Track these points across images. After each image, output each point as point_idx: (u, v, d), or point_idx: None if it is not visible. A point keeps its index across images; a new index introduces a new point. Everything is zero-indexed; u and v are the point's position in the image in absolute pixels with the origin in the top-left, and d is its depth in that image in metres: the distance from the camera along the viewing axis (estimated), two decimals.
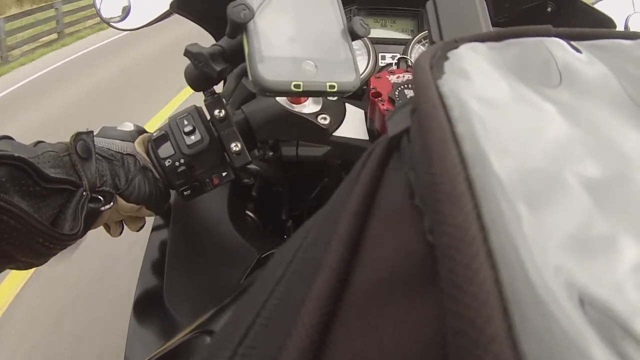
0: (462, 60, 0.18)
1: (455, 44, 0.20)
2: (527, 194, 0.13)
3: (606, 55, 0.21)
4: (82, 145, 0.47)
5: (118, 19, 0.91)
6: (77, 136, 0.47)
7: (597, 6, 0.84)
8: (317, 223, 0.20)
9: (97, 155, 0.49)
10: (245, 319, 0.17)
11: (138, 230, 0.59)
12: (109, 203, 0.49)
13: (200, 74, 0.49)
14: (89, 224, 0.48)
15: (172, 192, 0.57)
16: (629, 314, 0.11)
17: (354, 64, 0.40)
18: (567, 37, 0.22)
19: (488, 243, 0.12)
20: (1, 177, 0.38)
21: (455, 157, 0.14)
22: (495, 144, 0.15)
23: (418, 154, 0.16)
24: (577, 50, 0.21)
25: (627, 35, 0.23)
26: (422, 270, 0.15)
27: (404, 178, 0.17)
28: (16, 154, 0.39)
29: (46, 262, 0.45)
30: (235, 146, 0.52)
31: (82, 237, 0.45)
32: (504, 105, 0.17)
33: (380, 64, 0.76)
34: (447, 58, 0.19)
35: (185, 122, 0.53)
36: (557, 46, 0.21)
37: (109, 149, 0.50)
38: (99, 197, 0.48)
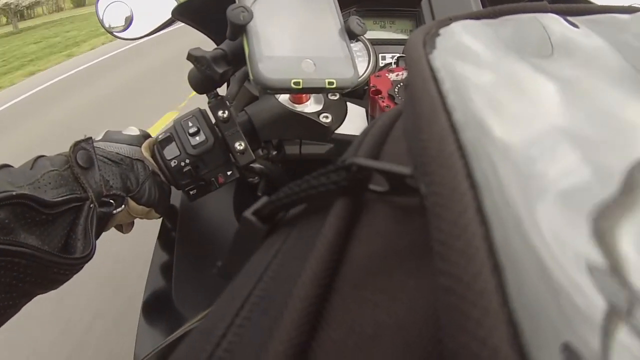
0: (454, 36, 0.19)
1: (449, 21, 0.20)
2: (525, 157, 0.13)
3: (603, 29, 0.21)
4: (82, 155, 0.47)
5: (121, 28, 0.93)
6: (76, 146, 0.47)
7: None
8: (310, 205, 0.20)
9: (105, 159, 0.49)
10: (241, 292, 0.17)
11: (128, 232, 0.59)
12: (120, 206, 0.49)
13: (203, 77, 0.50)
14: (101, 229, 0.48)
15: (178, 194, 0.58)
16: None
17: (351, 61, 0.41)
18: (563, 13, 0.22)
19: (479, 200, 0.12)
20: (4, 219, 0.37)
21: (444, 123, 0.14)
22: (490, 113, 0.15)
23: (410, 126, 0.17)
24: (574, 26, 0.21)
25: (624, 9, 0.23)
26: (415, 245, 0.15)
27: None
28: (15, 192, 0.38)
29: (62, 285, 0.44)
30: (240, 145, 0.54)
31: (94, 252, 0.45)
32: (496, 76, 0.17)
33: (381, 65, 0.77)
34: (439, 34, 0.19)
35: (190, 124, 0.54)
36: (553, 21, 0.21)
37: (117, 153, 0.51)
38: (110, 200, 0.48)
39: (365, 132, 0.22)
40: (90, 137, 0.50)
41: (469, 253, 0.11)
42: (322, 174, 0.18)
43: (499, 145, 0.14)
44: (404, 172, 0.16)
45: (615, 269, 0.11)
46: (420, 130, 0.15)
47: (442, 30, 0.20)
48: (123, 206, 0.50)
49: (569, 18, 0.22)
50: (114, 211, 0.48)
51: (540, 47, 0.20)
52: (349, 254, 0.16)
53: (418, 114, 0.15)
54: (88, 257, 0.43)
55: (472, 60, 0.18)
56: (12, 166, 0.43)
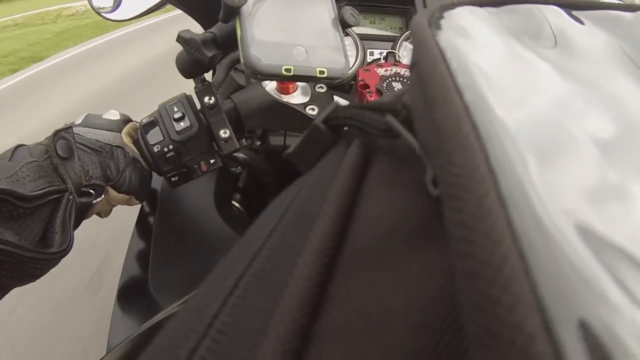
0: (459, 19, 0.19)
1: (453, 5, 0.20)
2: (534, 143, 0.13)
3: (607, 25, 0.21)
4: (61, 145, 0.46)
5: (109, 9, 0.90)
6: (55, 135, 0.46)
7: None
8: (310, 180, 0.20)
9: (84, 147, 0.48)
10: (234, 270, 0.16)
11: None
12: (100, 196, 0.48)
13: (192, 60, 0.49)
14: (80, 219, 0.48)
15: (159, 178, 0.57)
16: None
17: (343, 51, 0.41)
18: (566, 6, 0.23)
19: (497, 185, 0.11)
20: None
21: (458, 103, 0.14)
22: (496, 95, 0.15)
23: (419, 106, 0.16)
24: (577, 20, 0.22)
25: (627, 7, 0.23)
26: (422, 225, 0.14)
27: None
28: None
29: (38, 279, 0.43)
30: (224, 133, 0.53)
31: (72, 245, 0.44)
32: (501, 60, 0.17)
33: (369, 60, 0.77)
34: (443, 17, 0.19)
35: (175, 109, 0.53)
36: (554, 13, 0.21)
37: (97, 140, 0.50)
38: (90, 190, 0.47)
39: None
40: (71, 126, 0.49)
41: (495, 237, 0.10)
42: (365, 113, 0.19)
43: (505, 127, 0.13)
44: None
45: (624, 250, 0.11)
46: (434, 110, 0.14)
47: (446, 14, 0.20)
48: (103, 196, 0.49)
49: (572, 12, 0.22)
50: (94, 201, 0.47)
51: (543, 38, 0.20)
52: (351, 232, 0.16)
53: (430, 93, 0.15)
54: (65, 251, 0.43)
55: (476, 41, 0.18)
56: None
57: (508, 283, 0.10)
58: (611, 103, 0.16)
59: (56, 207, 0.43)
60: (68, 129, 0.48)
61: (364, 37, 0.78)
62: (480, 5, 0.21)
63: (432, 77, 0.15)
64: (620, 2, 0.25)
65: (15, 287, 0.41)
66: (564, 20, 0.21)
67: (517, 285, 0.10)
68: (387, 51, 0.67)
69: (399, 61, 0.65)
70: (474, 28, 0.18)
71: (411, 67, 0.18)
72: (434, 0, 0.76)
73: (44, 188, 0.42)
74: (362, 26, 0.81)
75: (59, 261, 0.43)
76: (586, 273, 0.10)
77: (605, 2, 0.24)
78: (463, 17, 0.19)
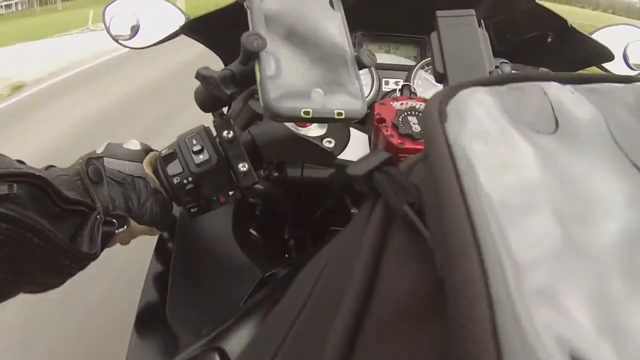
0: (464, 106, 0.20)
1: (460, 88, 0.21)
2: (522, 247, 0.15)
3: (599, 98, 0.22)
4: (93, 170, 0.47)
5: (127, 37, 0.93)
6: (89, 161, 0.48)
7: (595, 36, 0.86)
8: (334, 253, 0.21)
9: (108, 178, 0.49)
10: (273, 340, 0.18)
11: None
12: (122, 226, 0.49)
13: (211, 96, 0.50)
14: (103, 244, 0.48)
15: (177, 207, 0.58)
16: None
17: (360, 92, 0.42)
18: (564, 81, 0.24)
19: (488, 287, 0.14)
20: (23, 195, 0.38)
21: (462, 211, 0.16)
22: (493, 192, 0.16)
23: (430, 200, 0.18)
24: (573, 93, 0.23)
25: (621, 79, 0.25)
26: (432, 301, 0.16)
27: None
28: (38, 173, 0.39)
29: (63, 283, 0.44)
30: (243, 167, 0.54)
31: (99, 254, 0.45)
32: (494, 148, 0.18)
33: (384, 89, 0.78)
34: (450, 104, 0.20)
35: (194, 142, 0.54)
36: (555, 92, 0.22)
37: (119, 171, 0.51)
38: (113, 220, 0.48)
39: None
40: (102, 156, 0.50)
41: (479, 336, 0.13)
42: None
43: (504, 238, 0.15)
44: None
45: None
46: (442, 211, 0.16)
47: (453, 100, 0.21)
48: (125, 227, 0.50)
49: (568, 87, 0.23)
50: (117, 231, 0.48)
51: (540, 119, 0.21)
52: (373, 305, 0.18)
53: (439, 196, 0.17)
54: (93, 255, 0.44)
55: (479, 135, 0.19)
56: (25, 163, 0.44)
57: None
58: (576, 193, 0.18)
59: (84, 221, 0.44)
60: (99, 157, 0.50)
61: (379, 67, 0.79)
62: (485, 85, 0.22)
63: (441, 180, 0.17)
64: (614, 74, 0.26)
65: (40, 281, 0.42)
66: (564, 98, 0.22)
67: None
68: (402, 83, 0.68)
69: (414, 94, 0.66)
70: (477, 116, 0.19)
71: (424, 157, 0.19)
72: (449, 34, 0.77)
73: (77, 197, 0.43)
74: (377, 54, 0.82)
75: (87, 264, 0.44)
76: None
77: (599, 75, 0.25)
78: (468, 104, 0.20)
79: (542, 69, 0.76)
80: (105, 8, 0.92)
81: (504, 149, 0.18)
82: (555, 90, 0.22)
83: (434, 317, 0.16)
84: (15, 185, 0.37)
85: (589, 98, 0.22)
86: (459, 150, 0.17)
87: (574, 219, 0.17)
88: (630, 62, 0.89)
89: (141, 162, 0.54)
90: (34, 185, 0.39)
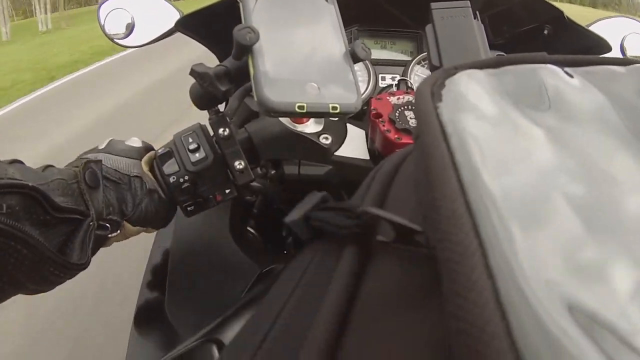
0: (459, 87, 0.20)
1: (455, 70, 0.21)
2: (519, 212, 0.15)
3: (599, 82, 0.22)
4: (90, 175, 0.47)
5: (122, 35, 0.92)
6: (86, 165, 0.47)
7: (592, 28, 0.86)
8: (323, 246, 0.21)
9: (106, 180, 0.49)
10: (262, 326, 0.19)
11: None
12: (116, 230, 0.49)
13: (206, 93, 0.50)
14: (95, 250, 0.48)
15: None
16: (630, 332, 0.12)
17: (355, 85, 0.41)
18: (561, 64, 0.23)
19: (486, 257, 0.13)
20: (14, 206, 0.38)
21: (454, 183, 0.15)
22: (489, 167, 0.16)
23: (421, 178, 0.17)
24: (571, 77, 0.22)
25: (620, 61, 0.24)
26: (425, 283, 0.16)
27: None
28: (30, 183, 0.39)
29: (52, 289, 0.44)
30: (239, 164, 0.53)
31: (89, 263, 0.45)
32: (496, 129, 0.18)
33: (381, 85, 0.77)
34: (445, 85, 0.20)
35: (190, 140, 0.54)
36: (550, 74, 0.22)
37: (116, 170, 0.51)
38: (106, 224, 0.48)
39: (372, 177, 0.23)
40: (100, 160, 0.50)
41: (481, 303, 0.12)
42: (335, 215, 0.20)
43: (494, 200, 0.15)
44: (415, 228, 0.17)
45: (598, 317, 0.12)
46: (433, 188, 0.16)
47: (448, 81, 0.20)
48: (118, 231, 0.50)
49: (566, 69, 0.23)
50: (109, 235, 0.48)
51: (539, 100, 0.21)
52: (362, 290, 0.18)
53: (429, 171, 0.16)
54: (83, 265, 0.44)
55: (474, 111, 0.19)
56: (23, 163, 0.44)
57: (491, 340, 0.12)
58: (596, 171, 0.17)
59: (77, 228, 0.44)
60: (98, 162, 0.49)
61: (375, 62, 0.79)
62: (480, 68, 0.22)
63: (432, 156, 0.17)
64: (612, 57, 0.25)
65: (29, 289, 0.42)
66: (559, 81, 0.22)
67: (498, 341, 0.12)
68: (399, 78, 0.68)
69: (411, 88, 0.65)
70: (473, 96, 0.19)
71: (415, 138, 0.19)
72: (444, 26, 0.76)
73: (70, 205, 0.43)
74: (373, 50, 0.82)
75: (75, 273, 0.44)
76: (565, 342, 0.12)
77: (597, 57, 0.24)
78: (463, 85, 0.20)
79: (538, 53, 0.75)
80: (100, 6, 0.91)
81: (503, 127, 0.18)
82: (552, 72, 0.22)
83: (427, 299, 0.16)
84: (4, 201, 0.37)
85: (588, 79, 0.22)
86: (451, 127, 0.17)
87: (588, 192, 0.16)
88: (628, 54, 0.88)
89: (140, 159, 0.54)
90: (26, 195, 0.39)
